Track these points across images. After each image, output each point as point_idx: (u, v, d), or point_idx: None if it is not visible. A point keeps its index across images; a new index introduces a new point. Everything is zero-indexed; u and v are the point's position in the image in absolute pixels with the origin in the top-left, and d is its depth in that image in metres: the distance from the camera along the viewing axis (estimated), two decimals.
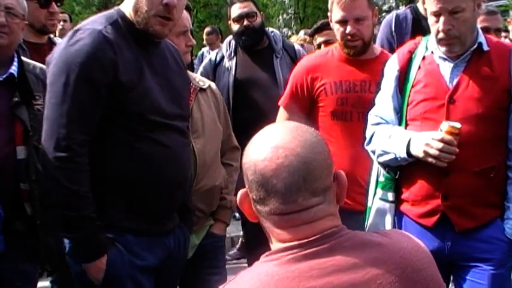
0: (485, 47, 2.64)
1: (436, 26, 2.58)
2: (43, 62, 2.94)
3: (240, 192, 1.43)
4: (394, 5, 25.97)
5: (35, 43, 3.53)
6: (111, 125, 2.26)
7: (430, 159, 2.48)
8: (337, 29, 3.20)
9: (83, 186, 2.21)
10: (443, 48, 2.62)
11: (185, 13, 2.75)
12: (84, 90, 2.18)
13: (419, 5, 3.66)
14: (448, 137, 2.45)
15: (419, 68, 2.70)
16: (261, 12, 4.19)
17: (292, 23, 25.09)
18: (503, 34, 3.39)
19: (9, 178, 2.55)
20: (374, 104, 2.85)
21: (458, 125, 2.46)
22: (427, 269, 1.36)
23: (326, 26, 4.27)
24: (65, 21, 6.84)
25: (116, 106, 2.24)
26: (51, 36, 3.99)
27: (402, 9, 4.50)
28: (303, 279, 1.26)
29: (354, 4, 3.11)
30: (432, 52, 2.70)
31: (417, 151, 2.53)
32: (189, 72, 2.99)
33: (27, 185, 2.60)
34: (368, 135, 2.80)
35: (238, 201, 1.44)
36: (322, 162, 1.34)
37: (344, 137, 3.12)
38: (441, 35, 2.57)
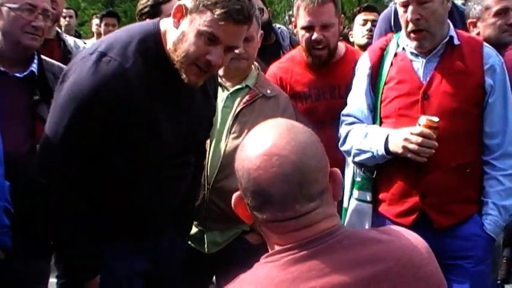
0: (456, 41, 2.58)
1: (405, 16, 2.51)
2: (50, 57, 2.91)
3: (235, 196, 1.38)
4: None
5: None
6: (108, 157, 2.16)
7: (409, 155, 2.42)
8: (302, 35, 3.02)
9: (65, 211, 2.19)
10: (413, 44, 2.56)
11: None
12: (87, 124, 2.07)
13: None
14: (427, 131, 2.38)
15: (391, 64, 2.64)
16: (268, 9, 4.09)
17: None
18: None
19: (30, 176, 2.46)
20: (346, 104, 2.78)
21: (436, 118, 2.40)
22: (427, 265, 1.32)
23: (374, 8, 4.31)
24: (70, 17, 6.82)
25: (119, 141, 2.11)
26: (59, 31, 3.98)
27: None
28: (303, 280, 1.23)
29: (322, 10, 2.95)
30: (404, 48, 2.64)
31: (396, 147, 2.46)
32: (262, 79, 2.94)
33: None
34: (342, 135, 2.72)
35: (233, 204, 1.40)
36: (317, 165, 1.29)
37: None
38: (410, 26, 2.51)
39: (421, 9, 2.48)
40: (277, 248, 1.32)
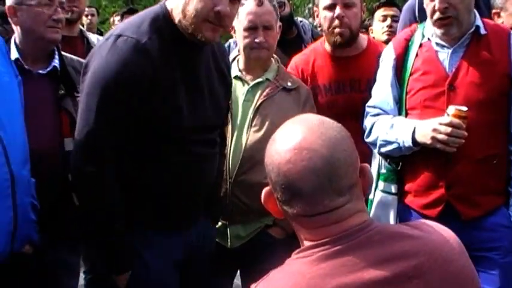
0: (483, 31, 2.54)
1: (431, 5, 2.48)
2: (74, 54, 2.97)
3: (264, 191, 1.39)
4: None
5: (66, 36, 3.46)
6: (137, 139, 2.18)
7: (438, 145, 2.39)
8: (324, 16, 3.02)
9: (109, 198, 2.16)
10: (439, 31, 2.52)
11: None
12: (118, 106, 2.09)
13: None
14: (457, 121, 2.35)
15: (416, 55, 2.60)
16: (290, 1, 4.10)
17: None
18: None
19: (58, 169, 2.54)
20: (366, 98, 2.76)
21: (464, 108, 2.36)
22: (458, 260, 1.31)
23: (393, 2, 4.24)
24: (92, 15, 6.85)
25: (145, 123, 2.15)
26: (83, 29, 4.02)
27: None
28: (335, 276, 1.23)
29: None
30: (429, 39, 2.60)
31: (424, 138, 2.43)
32: (283, 72, 2.95)
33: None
34: (368, 127, 2.70)
35: (262, 200, 1.40)
36: (347, 160, 1.29)
37: None
38: (437, 14, 2.47)
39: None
40: (307, 243, 1.32)
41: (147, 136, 2.19)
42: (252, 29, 2.82)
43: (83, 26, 6.21)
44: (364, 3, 3.14)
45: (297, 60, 3.24)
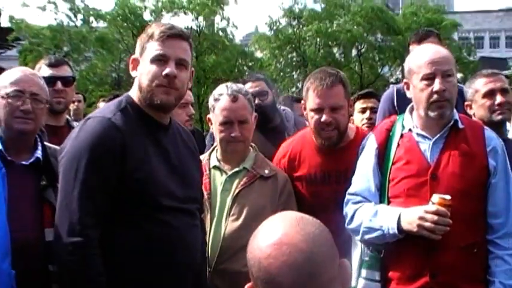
0: (461, 125, 2.66)
1: (427, 90, 2.59)
2: (61, 144, 3.04)
3: (247, 287, 1.37)
4: (400, 76, 26.39)
5: (53, 126, 3.52)
6: (120, 207, 2.24)
7: (424, 233, 2.42)
8: (311, 117, 2.99)
9: (96, 269, 2.17)
10: (434, 113, 2.60)
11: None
12: (94, 175, 2.20)
13: None
14: (443, 209, 2.41)
15: (398, 145, 2.68)
16: (273, 91, 4.14)
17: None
18: None
19: (38, 260, 2.51)
20: (350, 184, 2.79)
21: (448, 196, 2.43)
22: None
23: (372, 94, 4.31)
24: (79, 101, 6.87)
25: (124, 189, 2.23)
26: (69, 118, 4.06)
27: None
28: None
29: (331, 92, 2.93)
30: (410, 130, 2.70)
31: (410, 225, 2.47)
32: (260, 160, 3.00)
33: (55, 267, 2.50)
34: (349, 214, 2.72)
35: None
36: (326, 254, 1.30)
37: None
38: (435, 97, 2.57)
39: (445, 82, 2.57)
40: None
41: (123, 205, 2.25)
42: (227, 123, 2.91)
43: (69, 111, 6.26)
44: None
45: (285, 146, 3.27)
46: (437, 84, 2.56)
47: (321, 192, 3.04)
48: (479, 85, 3.31)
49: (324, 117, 2.94)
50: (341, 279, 1.34)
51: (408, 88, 2.72)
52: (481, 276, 2.59)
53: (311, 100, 2.98)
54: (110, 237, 2.24)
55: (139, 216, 2.27)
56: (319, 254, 1.29)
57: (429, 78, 2.59)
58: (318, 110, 2.96)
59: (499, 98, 3.25)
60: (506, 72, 4.01)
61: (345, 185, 2.88)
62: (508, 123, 3.66)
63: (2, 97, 2.65)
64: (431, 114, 2.61)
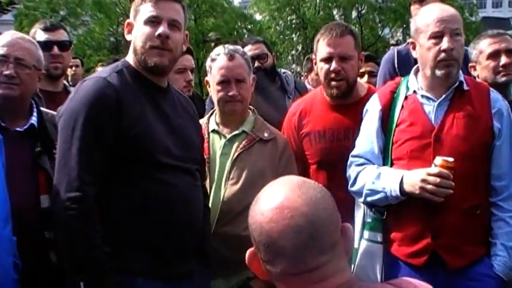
0: (466, 87, 2.63)
1: (435, 48, 2.55)
2: None
3: (249, 252, 1.38)
4: (401, 38, 26.19)
5: (50, 91, 3.48)
6: (118, 165, 2.26)
7: (427, 195, 2.42)
8: (321, 67, 3.00)
9: (93, 227, 2.18)
10: (441, 72, 2.57)
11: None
12: (91, 132, 2.21)
13: None
14: (445, 171, 2.39)
15: (402, 107, 2.66)
16: (273, 53, 4.10)
17: (302, 58, 25.34)
18: None
19: (34, 227, 2.50)
20: (354, 146, 2.78)
21: (451, 159, 2.41)
22: None
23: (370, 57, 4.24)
24: (76, 66, 6.86)
25: (122, 146, 2.25)
26: (66, 84, 4.03)
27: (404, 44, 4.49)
28: None
29: (340, 41, 2.95)
30: (415, 92, 2.67)
31: (412, 188, 2.46)
32: (259, 123, 2.97)
33: (51, 234, 2.53)
34: (352, 177, 2.71)
35: (247, 261, 1.40)
36: (328, 218, 1.30)
37: (328, 183, 2.84)
38: (442, 55, 2.54)
39: (454, 41, 2.53)
40: None
41: (120, 162, 2.26)
42: (224, 82, 2.88)
43: (67, 77, 6.21)
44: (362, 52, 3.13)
45: (296, 104, 3.28)
46: (445, 43, 2.52)
47: (329, 149, 3.01)
48: (483, 46, 3.27)
49: (333, 66, 2.94)
50: (343, 244, 1.34)
51: (414, 48, 2.68)
52: (483, 238, 2.60)
53: (321, 50, 3.00)
54: (107, 195, 2.24)
55: (136, 173, 2.27)
56: (321, 217, 1.28)
57: (437, 36, 2.55)
58: (328, 59, 2.96)
59: (503, 59, 3.21)
60: (510, 32, 3.95)
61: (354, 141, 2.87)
62: None
63: None
64: (438, 73, 2.58)
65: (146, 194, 2.27)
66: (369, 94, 3.03)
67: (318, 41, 3.04)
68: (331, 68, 2.95)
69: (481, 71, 3.25)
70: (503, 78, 3.20)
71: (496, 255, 2.56)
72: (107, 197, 2.24)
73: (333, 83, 2.98)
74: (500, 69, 3.22)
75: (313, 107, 3.13)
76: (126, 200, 2.26)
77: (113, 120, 2.23)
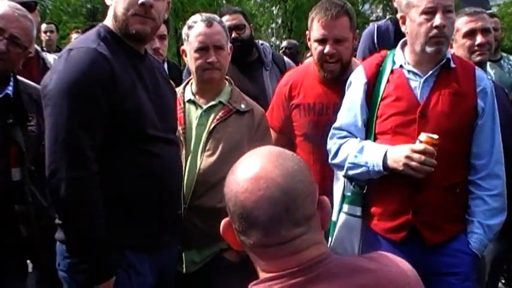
0: (452, 64, 2.60)
1: (427, 24, 2.52)
2: (29, 76, 2.85)
3: (223, 222, 1.37)
4: (381, 14, 26.17)
5: None
6: (111, 141, 2.19)
7: (410, 172, 2.41)
8: (315, 48, 2.97)
9: (99, 205, 2.13)
10: (431, 49, 2.54)
11: None
12: (89, 107, 2.12)
13: None
14: (431, 148, 2.38)
15: (388, 81, 2.63)
16: (251, 24, 4.03)
17: (281, 32, 25.21)
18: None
19: (3, 200, 2.46)
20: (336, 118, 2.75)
21: (436, 136, 2.40)
22: None
23: None
24: (51, 31, 6.77)
25: (115, 121, 2.18)
26: (38, 49, 3.93)
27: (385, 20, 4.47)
28: None
29: (336, 23, 2.91)
30: (401, 66, 2.64)
31: (396, 163, 2.45)
32: (236, 94, 2.94)
33: (22, 207, 2.51)
34: (333, 149, 2.69)
35: (221, 231, 1.38)
36: (305, 190, 1.28)
37: (314, 155, 2.95)
38: (434, 31, 2.51)
39: (446, 18, 2.50)
40: (264, 275, 1.30)
41: (115, 136, 2.20)
42: (202, 49, 2.82)
43: (41, 42, 6.06)
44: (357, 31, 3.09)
45: (288, 75, 3.28)
46: (438, 19, 2.49)
47: (317, 122, 3.02)
48: (460, 24, 3.25)
49: (327, 49, 2.93)
50: (320, 217, 1.33)
51: (404, 23, 2.63)
52: (462, 215, 2.62)
53: (315, 31, 2.96)
54: (103, 172, 2.17)
55: (126, 147, 2.23)
56: (297, 189, 1.27)
57: (430, 12, 2.51)
58: (322, 41, 2.94)
59: (479, 39, 3.21)
60: (489, 12, 3.98)
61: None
62: (488, 65, 3.64)
63: None
64: (429, 49, 2.55)
65: (139, 168, 2.24)
66: None
67: (313, 20, 2.98)
68: (325, 51, 2.93)
69: (457, 49, 3.25)
70: (478, 58, 3.20)
71: (473, 232, 2.58)
72: (100, 173, 2.16)
73: (327, 65, 2.97)
74: (476, 48, 3.23)
75: (305, 79, 3.12)
76: (116, 174, 2.20)
77: (109, 93, 2.16)
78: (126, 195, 2.22)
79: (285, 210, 1.25)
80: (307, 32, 3.06)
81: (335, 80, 3.00)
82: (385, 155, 2.49)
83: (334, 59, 2.94)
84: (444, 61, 2.60)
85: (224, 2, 27.79)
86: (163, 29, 3.49)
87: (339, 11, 2.92)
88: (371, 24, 4.42)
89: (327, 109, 3.01)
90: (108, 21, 2.36)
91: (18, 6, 2.65)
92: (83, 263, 2.17)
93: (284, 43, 4.59)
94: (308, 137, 3.03)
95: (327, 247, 1.34)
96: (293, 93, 3.11)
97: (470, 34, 3.24)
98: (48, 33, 6.67)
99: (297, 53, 7.19)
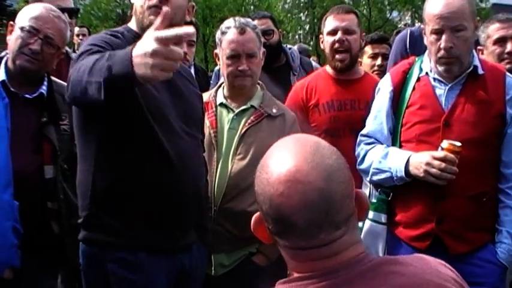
0: (480, 71, 2.56)
1: (436, 44, 2.50)
2: (59, 75, 2.89)
3: (254, 217, 1.29)
4: (409, 22, 25.99)
5: None
6: (125, 136, 2.17)
7: (430, 179, 2.40)
8: (327, 40, 3.30)
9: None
10: (441, 68, 2.53)
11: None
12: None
13: None
14: (451, 156, 2.36)
15: (414, 89, 2.61)
16: (279, 30, 4.05)
17: (309, 38, 25.19)
18: None
19: (36, 196, 2.50)
20: (364, 125, 2.76)
21: (458, 143, 2.37)
22: None
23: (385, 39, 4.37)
24: (83, 35, 6.88)
25: (134, 114, 2.14)
26: (69, 50, 4.00)
27: (417, 26, 4.44)
28: None
29: (346, 16, 3.29)
30: (427, 73, 2.62)
31: (417, 170, 2.44)
32: (268, 99, 2.94)
33: (55, 204, 2.56)
34: (361, 155, 2.69)
35: (252, 226, 1.31)
36: (344, 192, 1.19)
37: None
38: (442, 53, 2.49)
39: (455, 38, 2.46)
40: (296, 274, 1.24)
41: (133, 130, 2.17)
42: (234, 57, 2.82)
43: (74, 45, 6.16)
44: (364, 34, 3.40)
45: (303, 80, 3.48)
46: (443, 42, 2.47)
47: (338, 117, 3.21)
48: (491, 30, 3.21)
49: (338, 36, 3.24)
50: (357, 212, 1.26)
51: (425, 33, 2.62)
52: (488, 225, 2.57)
53: (328, 25, 3.32)
54: (116, 169, 2.18)
55: (145, 145, 2.19)
56: (337, 192, 1.18)
57: (438, 32, 2.49)
58: (333, 32, 3.28)
59: (509, 46, 3.16)
60: None
61: (360, 111, 3.10)
62: None
63: (20, 28, 2.57)
64: (439, 68, 2.55)
65: (153, 165, 2.20)
66: (366, 75, 3.42)
67: (326, 18, 3.35)
68: (336, 39, 3.24)
69: (487, 56, 3.19)
70: (508, 66, 3.13)
71: (501, 242, 2.54)
72: (113, 170, 2.17)
73: (338, 55, 3.26)
74: (505, 56, 3.17)
75: (318, 82, 3.31)
76: (131, 172, 2.18)
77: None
78: (141, 191, 2.20)
79: (325, 215, 1.17)
80: (321, 36, 3.37)
81: (345, 74, 3.29)
82: (408, 161, 2.48)
83: (344, 47, 3.23)
84: (471, 68, 2.56)
85: (252, 7, 27.88)
86: (193, 35, 3.49)
87: (348, 9, 3.42)
88: (406, 29, 4.39)
89: (345, 105, 3.23)
90: (132, 22, 2.39)
91: (53, 7, 2.70)
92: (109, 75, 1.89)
93: (295, 47, 4.57)
94: (328, 132, 3.16)
95: (363, 246, 1.27)
96: (310, 95, 3.28)
97: (501, 41, 3.19)
98: (80, 36, 6.79)
99: (308, 58, 7.22)
